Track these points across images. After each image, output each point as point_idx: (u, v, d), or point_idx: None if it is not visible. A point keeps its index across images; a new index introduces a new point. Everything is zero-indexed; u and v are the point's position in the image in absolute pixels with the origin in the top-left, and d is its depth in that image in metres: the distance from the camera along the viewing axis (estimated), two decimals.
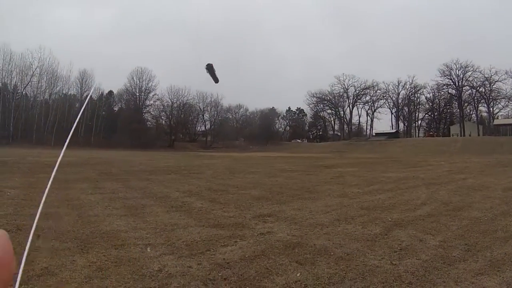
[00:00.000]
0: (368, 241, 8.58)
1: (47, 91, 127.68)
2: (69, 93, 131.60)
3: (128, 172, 27.94)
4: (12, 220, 10.28)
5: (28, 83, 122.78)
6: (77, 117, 2.73)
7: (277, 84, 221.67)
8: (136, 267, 6.65)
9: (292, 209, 12.67)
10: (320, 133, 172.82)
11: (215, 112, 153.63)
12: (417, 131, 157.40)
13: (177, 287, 5.81)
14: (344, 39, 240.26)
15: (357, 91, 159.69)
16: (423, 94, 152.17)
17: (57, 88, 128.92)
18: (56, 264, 6.71)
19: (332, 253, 7.57)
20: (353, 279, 6.17)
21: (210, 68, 11.38)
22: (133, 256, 7.32)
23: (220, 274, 6.37)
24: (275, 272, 6.50)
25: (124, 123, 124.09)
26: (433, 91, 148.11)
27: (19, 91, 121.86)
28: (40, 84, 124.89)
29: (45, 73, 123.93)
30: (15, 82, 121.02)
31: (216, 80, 11.20)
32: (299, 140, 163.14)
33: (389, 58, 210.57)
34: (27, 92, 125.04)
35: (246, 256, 7.40)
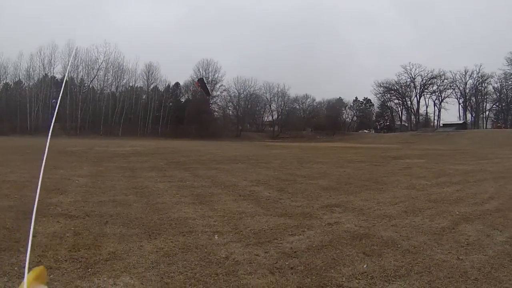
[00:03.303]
0: (435, 234, 8.39)
1: (114, 84, 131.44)
2: (136, 85, 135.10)
3: (196, 161, 28.25)
4: (80, 206, 10.54)
5: (95, 77, 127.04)
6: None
7: (344, 74, 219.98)
8: (203, 254, 6.72)
9: (360, 200, 12.57)
10: (387, 123, 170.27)
11: (282, 102, 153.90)
12: (484, 122, 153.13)
13: (243, 275, 5.82)
14: (412, 27, 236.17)
15: (424, 81, 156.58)
16: (491, 84, 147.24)
17: (124, 81, 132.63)
18: (123, 249, 6.86)
19: (399, 246, 7.46)
20: (419, 272, 6.04)
21: (201, 82, 11.13)
22: (200, 243, 7.39)
23: (287, 263, 6.35)
24: (342, 263, 6.43)
25: (191, 113, 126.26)
26: (500, 80, 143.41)
27: (86, 84, 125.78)
28: (106, 77, 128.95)
29: (111, 66, 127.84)
30: (82, 76, 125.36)
31: (207, 93, 10.94)
32: (366, 131, 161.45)
33: (457, 46, 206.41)
34: (94, 86, 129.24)
35: (313, 245, 7.35)
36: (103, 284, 5.36)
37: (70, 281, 5.44)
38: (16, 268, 5.82)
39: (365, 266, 6.29)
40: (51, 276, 5.56)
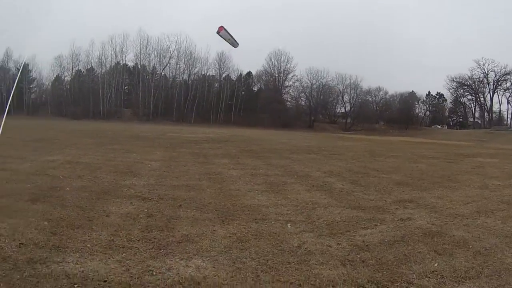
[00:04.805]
0: (507, 237, 8.11)
1: (186, 72, 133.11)
2: (208, 74, 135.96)
3: (269, 150, 28.50)
4: (154, 189, 10.89)
5: (167, 65, 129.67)
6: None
7: (417, 67, 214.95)
8: (275, 242, 6.80)
9: (433, 197, 12.34)
10: (460, 119, 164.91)
11: (355, 94, 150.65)
12: None
13: (315, 264, 5.86)
14: (485, 20, 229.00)
15: (497, 77, 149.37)
16: None
17: (196, 69, 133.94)
18: (196, 233, 7.03)
19: (470, 246, 7.28)
20: (489, 275, 5.88)
21: (225, 33, 10.51)
22: (273, 230, 7.49)
23: (358, 256, 6.34)
24: (413, 260, 6.35)
25: (263, 103, 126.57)
26: None
27: (158, 72, 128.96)
28: (178, 65, 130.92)
29: (183, 55, 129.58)
30: (154, 64, 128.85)
31: (235, 44, 10.40)
32: (439, 126, 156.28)
33: None
34: (166, 73, 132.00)
35: (385, 240, 7.32)
36: (175, 265, 5.51)
37: (142, 260, 5.62)
38: (88, 245, 6.07)
39: (436, 264, 6.20)
40: (123, 254, 5.77)
